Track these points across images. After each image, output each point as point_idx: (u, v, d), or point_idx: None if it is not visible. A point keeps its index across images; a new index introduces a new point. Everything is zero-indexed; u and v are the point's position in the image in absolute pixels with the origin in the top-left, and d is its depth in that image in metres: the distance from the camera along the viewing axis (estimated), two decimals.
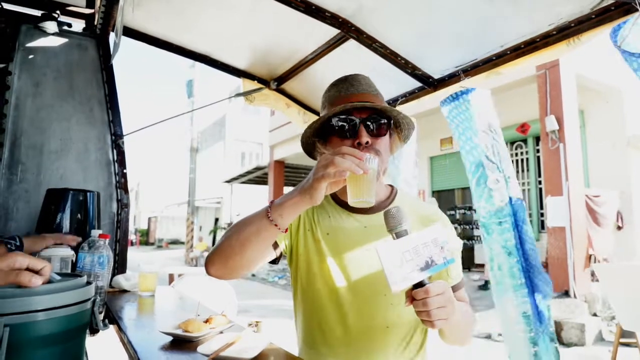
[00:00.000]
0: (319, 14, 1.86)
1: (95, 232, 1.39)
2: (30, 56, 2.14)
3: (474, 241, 9.05)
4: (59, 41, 2.23)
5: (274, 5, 1.82)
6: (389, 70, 2.10)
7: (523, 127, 7.40)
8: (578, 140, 6.36)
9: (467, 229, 9.38)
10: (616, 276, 3.38)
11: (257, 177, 16.02)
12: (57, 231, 1.77)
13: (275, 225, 0.89)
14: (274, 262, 1.09)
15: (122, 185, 2.25)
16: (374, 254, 0.77)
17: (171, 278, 7.68)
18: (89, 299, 0.81)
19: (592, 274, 6.00)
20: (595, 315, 5.58)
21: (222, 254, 0.95)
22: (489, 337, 5.29)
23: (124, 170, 2.27)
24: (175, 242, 29.43)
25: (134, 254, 18.13)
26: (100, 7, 2.10)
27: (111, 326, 1.27)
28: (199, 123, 21.09)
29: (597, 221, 6.47)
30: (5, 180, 1.99)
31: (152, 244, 31.49)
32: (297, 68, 2.37)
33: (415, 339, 1.08)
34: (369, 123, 1.02)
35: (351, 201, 0.85)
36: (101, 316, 1.10)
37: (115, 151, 2.27)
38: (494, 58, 1.81)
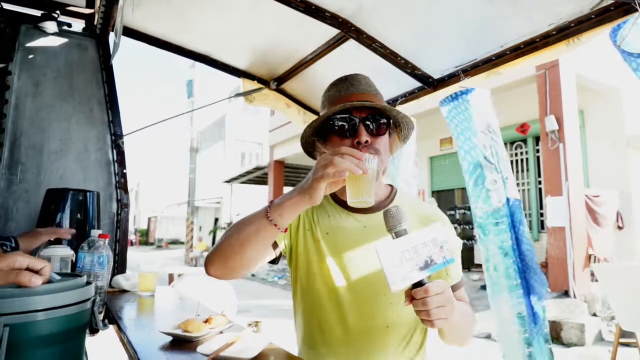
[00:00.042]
0: (319, 14, 1.86)
1: (95, 232, 1.39)
2: (30, 56, 2.14)
3: (473, 241, 9.04)
4: (58, 41, 2.23)
5: (273, 6, 1.82)
6: (388, 70, 2.10)
7: (523, 127, 7.40)
8: (578, 140, 6.36)
9: (466, 229, 9.38)
10: (615, 276, 3.38)
11: (257, 177, 16.02)
12: None
13: (275, 225, 0.89)
14: (274, 262, 1.09)
15: (121, 185, 2.25)
16: (374, 253, 0.77)
17: (171, 278, 7.68)
18: (89, 299, 0.81)
19: (592, 274, 6.00)
20: (595, 315, 5.58)
21: (222, 254, 0.95)
22: (488, 337, 5.29)
23: (124, 170, 2.28)
24: (175, 242, 29.42)
25: (133, 254, 18.13)
26: (100, 7, 2.10)
27: (111, 326, 1.27)
28: (199, 123, 21.08)
29: (596, 221, 6.47)
30: (5, 180, 1.99)
31: (152, 244, 31.48)
32: (297, 68, 2.37)
33: (415, 339, 1.08)
34: (368, 122, 1.02)
35: (350, 201, 0.85)
36: (101, 316, 1.10)
37: (115, 151, 2.27)
38: (494, 58, 1.81)
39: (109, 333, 1.15)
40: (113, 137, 2.27)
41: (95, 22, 2.29)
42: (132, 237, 30.44)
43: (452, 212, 9.44)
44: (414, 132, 1.18)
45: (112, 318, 1.34)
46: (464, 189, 9.74)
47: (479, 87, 1.98)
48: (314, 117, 2.56)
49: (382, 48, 1.99)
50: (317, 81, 2.41)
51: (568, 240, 5.88)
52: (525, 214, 8.39)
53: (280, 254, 1.10)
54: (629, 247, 6.89)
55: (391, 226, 0.82)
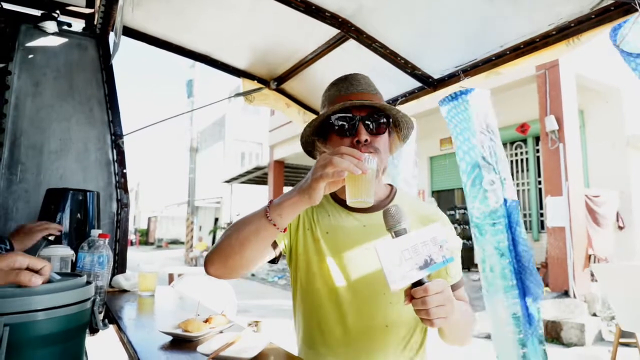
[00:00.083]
0: (319, 13, 1.86)
1: (95, 232, 1.39)
2: (30, 56, 2.14)
3: (473, 241, 9.04)
4: (58, 41, 2.23)
5: (273, 5, 1.82)
6: (388, 70, 2.10)
7: (523, 127, 7.40)
8: (578, 140, 6.36)
9: (466, 228, 9.37)
10: (615, 276, 3.38)
11: (256, 177, 16.03)
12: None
13: (274, 225, 0.89)
14: (274, 261, 1.09)
15: (121, 185, 2.25)
16: (374, 252, 0.77)
17: (171, 278, 7.68)
18: (89, 299, 0.81)
19: (592, 274, 6.00)
20: (595, 315, 5.58)
21: (222, 254, 0.95)
22: (488, 337, 5.29)
23: (124, 170, 2.28)
24: (175, 242, 29.42)
25: (133, 254, 18.13)
26: (99, 6, 2.10)
27: (111, 326, 1.27)
28: (199, 123, 21.08)
29: (596, 221, 6.47)
30: (5, 180, 1.99)
31: (152, 243, 31.47)
32: (297, 68, 2.37)
33: (415, 338, 1.08)
34: (368, 121, 1.02)
35: (349, 201, 0.85)
36: (101, 316, 1.10)
37: (115, 151, 2.27)
38: (494, 58, 1.81)
39: (109, 333, 1.15)
40: (113, 137, 2.27)
41: (95, 22, 2.29)
42: (132, 237, 30.43)
43: (452, 212, 9.44)
44: (414, 132, 1.18)
45: (112, 318, 1.34)
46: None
47: (479, 87, 1.98)
48: (314, 117, 2.55)
49: (382, 48, 1.99)
50: (317, 81, 2.41)
51: (568, 240, 5.88)
52: (525, 214, 8.40)
53: (280, 253, 1.10)
54: (629, 247, 6.89)
55: (391, 225, 0.82)
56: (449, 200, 9.96)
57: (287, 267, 1.17)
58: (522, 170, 8.56)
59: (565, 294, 5.79)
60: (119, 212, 2.23)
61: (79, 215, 1.84)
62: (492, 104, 2.04)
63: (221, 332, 1.12)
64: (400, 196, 1.16)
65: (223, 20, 2.10)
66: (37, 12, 2.19)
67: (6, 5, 2.14)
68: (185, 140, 20.55)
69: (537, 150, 8.03)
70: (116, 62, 2.32)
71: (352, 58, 2.14)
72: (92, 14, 2.34)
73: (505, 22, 1.64)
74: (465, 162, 2.00)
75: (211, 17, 2.08)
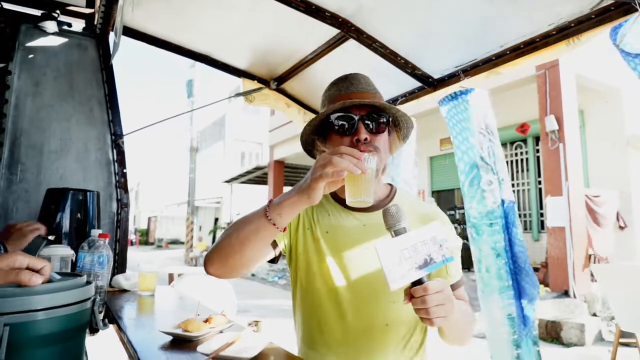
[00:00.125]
0: (319, 13, 1.86)
1: (95, 232, 1.39)
2: (30, 56, 2.14)
3: (469, 241, 9.03)
4: (58, 41, 2.23)
5: (273, 5, 1.82)
6: (388, 70, 2.10)
7: (523, 127, 7.40)
8: (578, 140, 6.36)
9: (466, 228, 9.36)
10: (614, 277, 3.38)
11: (256, 177, 16.02)
12: (57, 231, 1.77)
13: (274, 224, 0.89)
14: (274, 261, 1.09)
15: (121, 184, 2.25)
16: (373, 252, 0.77)
17: (171, 278, 7.68)
18: (89, 299, 0.81)
19: (592, 274, 6.00)
20: (595, 315, 5.58)
21: (222, 253, 0.95)
22: None
23: (124, 170, 2.28)
24: (175, 242, 29.42)
25: (133, 254, 18.13)
26: (100, 6, 2.10)
27: (111, 326, 1.27)
28: (199, 123, 21.08)
29: (596, 221, 6.47)
30: (5, 180, 1.99)
31: (152, 243, 31.48)
32: (297, 68, 2.37)
33: (415, 338, 1.08)
34: (367, 120, 1.02)
35: (349, 201, 0.85)
36: (101, 316, 1.10)
37: (115, 151, 2.27)
38: (494, 58, 1.81)
39: (109, 333, 1.15)
40: (113, 137, 2.27)
41: (95, 22, 2.29)
42: (132, 236, 30.43)
43: (452, 212, 9.44)
44: (414, 132, 1.18)
45: (112, 317, 1.34)
46: None
47: (479, 87, 1.98)
48: (314, 116, 2.55)
49: (382, 48, 1.99)
50: (317, 81, 2.41)
51: (568, 240, 5.88)
52: (525, 214, 8.40)
53: (280, 253, 1.10)
54: (630, 247, 6.89)
55: (390, 225, 0.82)
56: (448, 200, 9.96)
57: (287, 267, 1.17)
58: (522, 170, 8.56)
59: (565, 294, 5.79)
60: (119, 212, 2.23)
61: (79, 215, 1.84)
62: (492, 104, 2.04)
63: (221, 332, 1.12)
64: (400, 196, 1.16)
65: (223, 20, 2.10)
66: (37, 12, 2.19)
67: (6, 5, 2.14)
68: (185, 140, 20.56)
69: (537, 150, 8.03)
70: (116, 62, 2.32)
71: (352, 58, 2.14)
72: (92, 14, 2.34)
73: (505, 22, 1.64)
74: (464, 162, 2.01)
75: (211, 17, 2.08)
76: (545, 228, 6.76)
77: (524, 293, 1.91)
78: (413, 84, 2.19)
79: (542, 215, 7.97)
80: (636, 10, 1.25)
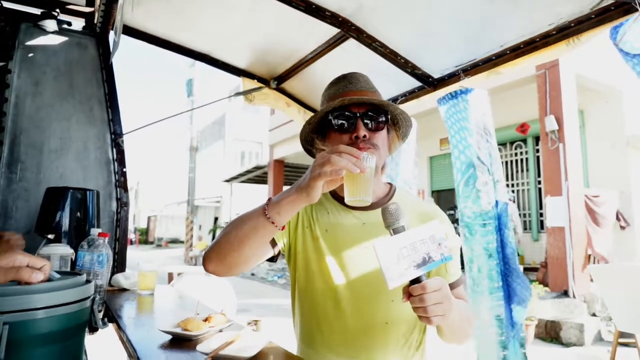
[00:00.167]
0: (319, 13, 1.86)
1: (95, 231, 1.39)
2: (30, 54, 2.14)
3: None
4: (58, 40, 2.23)
5: (274, 5, 1.82)
6: (388, 70, 2.10)
7: (523, 127, 7.40)
8: (578, 140, 6.36)
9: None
10: (612, 277, 3.37)
11: (256, 176, 16.02)
12: (57, 230, 1.78)
13: (273, 222, 0.89)
14: (273, 260, 1.09)
15: (121, 184, 2.25)
16: (372, 250, 0.78)
17: (170, 277, 7.68)
18: (89, 297, 0.82)
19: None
20: (594, 315, 5.59)
21: (220, 251, 0.95)
22: None
23: (124, 169, 2.28)
24: (174, 241, 29.42)
25: (133, 253, 18.14)
26: (100, 5, 2.10)
27: (110, 325, 1.27)
28: (199, 122, 21.08)
29: (596, 221, 6.47)
30: (4, 178, 1.99)
31: (152, 242, 31.48)
32: (297, 67, 2.37)
33: (414, 336, 1.08)
34: (366, 118, 1.03)
35: (348, 200, 0.85)
36: (100, 314, 1.10)
37: (114, 150, 2.27)
38: (494, 58, 1.81)
39: (109, 331, 1.15)
40: (113, 136, 2.27)
41: (95, 21, 2.29)
42: (131, 235, 30.44)
43: (452, 212, 9.42)
44: (414, 132, 1.18)
45: (112, 316, 1.34)
46: None
47: (479, 86, 1.98)
48: None
49: (382, 47, 1.99)
50: (317, 80, 2.41)
51: (567, 240, 5.88)
52: (525, 214, 8.40)
53: (279, 252, 1.10)
54: (629, 248, 6.89)
55: (389, 223, 0.82)
56: (448, 200, 9.96)
57: (287, 266, 1.18)
58: (522, 170, 8.56)
59: (565, 294, 5.80)
60: (119, 211, 2.23)
61: (78, 214, 1.84)
62: (492, 103, 2.04)
63: (221, 331, 1.12)
64: (399, 194, 1.16)
65: (223, 20, 2.10)
66: (37, 11, 2.19)
67: (6, 4, 2.13)
68: (185, 140, 20.56)
69: (537, 150, 8.03)
70: (116, 61, 2.32)
71: (352, 57, 2.14)
72: (92, 13, 2.34)
73: (505, 21, 1.64)
74: (460, 161, 2.01)
75: (211, 16, 2.08)
76: (545, 228, 6.76)
77: (515, 295, 1.92)
78: (413, 83, 2.19)
79: (541, 215, 7.97)
80: (636, 10, 1.25)
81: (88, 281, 0.84)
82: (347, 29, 1.92)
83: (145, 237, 32.48)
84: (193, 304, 1.49)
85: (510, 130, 7.73)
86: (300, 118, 2.67)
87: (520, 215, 8.03)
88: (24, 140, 2.06)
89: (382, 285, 0.78)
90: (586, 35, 1.48)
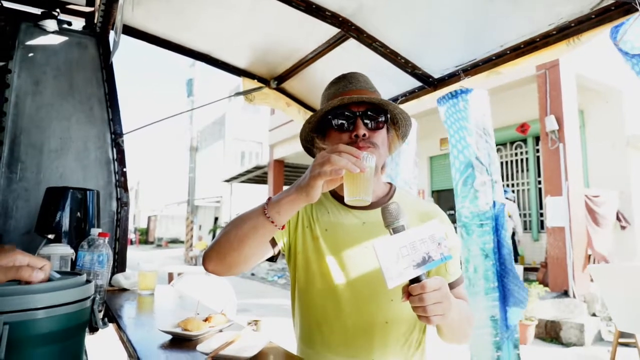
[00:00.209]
0: (319, 13, 1.85)
1: (95, 231, 1.39)
2: (30, 54, 2.14)
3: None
4: (58, 39, 2.23)
5: (274, 5, 1.82)
6: (388, 70, 2.10)
7: (523, 127, 7.40)
8: (578, 140, 6.36)
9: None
10: (612, 277, 3.37)
11: (256, 176, 16.02)
12: (57, 230, 1.77)
13: (272, 222, 0.89)
14: (273, 260, 1.09)
15: (121, 183, 2.25)
16: (372, 250, 0.78)
17: (171, 277, 7.69)
18: (89, 297, 0.81)
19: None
20: (594, 315, 5.59)
21: (220, 250, 0.95)
22: None
23: (124, 169, 2.28)
24: (174, 241, 29.42)
25: (133, 253, 18.14)
26: (100, 5, 2.10)
27: (110, 325, 1.27)
28: (199, 122, 21.10)
29: (596, 221, 6.47)
30: (4, 178, 1.99)
31: (152, 242, 31.48)
32: (297, 67, 2.37)
33: (414, 336, 1.08)
34: (365, 117, 1.03)
35: (347, 199, 0.85)
36: (101, 314, 1.10)
37: (115, 150, 2.27)
38: (494, 58, 1.81)
39: (109, 331, 1.15)
40: (113, 136, 2.27)
41: (95, 21, 2.29)
42: (131, 235, 30.44)
43: (452, 212, 9.40)
44: (414, 132, 1.18)
45: (112, 316, 1.34)
46: None
47: (479, 86, 1.98)
48: None
49: (383, 47, 1.99)
50: (317, 80, 2.41)
51: (568, 240, 5.88)
52: (525, 214, 8.40)
53: (279, 252, 1.10)
54: (630, 247, 6.89)
55: (389, 222, 0.82)
56: (448, 200, 9.94)
57: (287, 266, 1.18)
58: (522, 170, 8.56)
59: (565, 294, 5.80)
60: (119, 210, 2.23)
61: (78, 214, 1.84)
62: (492, 103, 2.04)
63: (221, 331, 1.12)
64: (399, 194, 1.16)
65: (223, 19, 2.10)
66: (37, 11, 2.19)
67: (6, 4, 2.13)
68: (185, 139, 20.57)
69: (537, 150, 8.03)
70: (116, 61, 2.32)
71: (352, 57, 2.14)
72: (92, 13, 2.34)
73: (505, 21, 1.64)
74: (459, 161, 2.01)
75: (211, 16, 2.08)
76: (545, 228, 6.76)
77: (511, 296, 1.92)
78: (413, 83, 2.19)
79: (541, 215, 7.98)
80: (636, 10, 1.25)
81: (88, 281, 0.84)
82: (347, 29, 1.92)
83: (145, 237, 32.48)
84: (193, 304, 1.49)
85: (510, 130, 7.73)
86: (300, 118, 2.67)
87: (520, 215, 8.02)
88: (24, 140, 2.06)
89: (382, 284, 0.78)
90: (586, 35, 1.48)
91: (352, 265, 1.05)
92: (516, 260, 7.32)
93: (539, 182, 8.09)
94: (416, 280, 0.80)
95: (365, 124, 1.02)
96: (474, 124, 1.97)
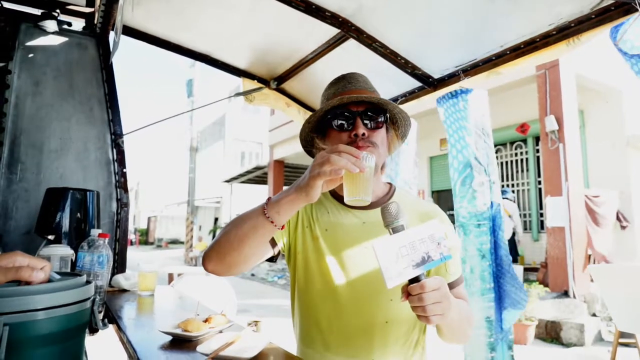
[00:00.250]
0: (319, 13, 1.86)
1: (95, 232, 1.39)
2: (30, 55, 2.14)
3: None
4: (58, 40, 2.23)
5: (274, 5, 1.82)
6: (388, 70, 2.10)
7: (523, 127, 7.40)
8: (578, 140, 6.36)
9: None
10: (612, 277, 3.37)
11: (256, 176, 16.02)
12: (57, 231, 1.77)
13: (272, 222, 0.89)
14: (273, 260, 1.09)
15: (121, 184, 2.25)
16: (372, 250, 0.78)
17: (171, 277, 7.69)
18: (89, 298, 0.81)
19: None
20: (594, 315, 5.58)
21: (220, 250, 0.95)
22: None
23: (124, 170, 2.28)
24: (174, 241, 29.41)
25: (133, 254, 18.14)
26: (100, 6, 2.10)
27: (111, 325, 1.27)
28: (199, 122, 21.09)
29: (596, 221, 6.47)
30: (4, 179, 1.99)
31: (152, 243, 31.47)
32: (297, 67, 2.37)
33: (414, 336, 1.08)
34: (365, 116, 1.03)
35: (347, 199, 0.85)
36: (101, 315, 1.10)
37: (114, 150, 2.27)
38: (494, 58, 1.81)
39: (109, 332, 1.15)
40: (113, 137, 2.27)
41: (95, 21, 2.29)
42: (131, 236, 30.43)
43: (452, 212, 9.42)
44: (414, 132, 1.18)
45: (112, 317, 1.34)
46: None
47: (479, 87, 1.98)
48: None
49: (382, 48, 1.99)
50: (317, 80, 2.41)
51: (568, 240, 5.88)
52: (525, 214, 8.40)
53: (279, 252, 1.10)
54: (630, 247, 6.89)
55: (388, 222, 0.82)
56: (448, 200, 9.95)
57: (287, 267, 1.18)
58: (522, 170, 8.56)
59: (565, 294, 5.79)
60: (119, 211, 2.23)
61: (78, 214, 1.84)
62: (492, 104, 2.05)
63: (221, 331, 1.12)
64: (399, 194, 1.16)
65: (223, 20, 2.10)
66: (37, 11, 2.19)
67: (6, 4, 2.14)
68: (185, 140, 20.57)
69: (537, 150, 8.03)
70: (116, 62, 2.32)
71: (352, 58, 2.14)
72: (92, 13, 2.34)
73: (505, 22, 1.64)
74: (458, 161, 2.02)
75: (211, 17, 2.08)
76: (545, 228, 6.75)
77: (508, 298, 1.92)
78: (413, 83, 2.19)
79: (541, 215, 7.97)
80: (636, 10, 1.25)
81: (88, 282, 0.84)
82: (347, 29, 1.92)
83: (145, 238, 32.48)
84: (193, 305, 1.49)
85: (510, 131, 7.73)
86: (300, 118, 2.67)
87: (520, 215, 8.02)
88: (24, 140, 2.06)
89: (381, 284, 0.78)
90: (586, 35, 1.48)
91: (352, 265, 1.05)
92: (516, 261, 7.32)
93: (539, 182, 8.09)
94: (415, 280, 0.80)
95: (365, 124, 1.02)
96: (473, 124, 1.97)
